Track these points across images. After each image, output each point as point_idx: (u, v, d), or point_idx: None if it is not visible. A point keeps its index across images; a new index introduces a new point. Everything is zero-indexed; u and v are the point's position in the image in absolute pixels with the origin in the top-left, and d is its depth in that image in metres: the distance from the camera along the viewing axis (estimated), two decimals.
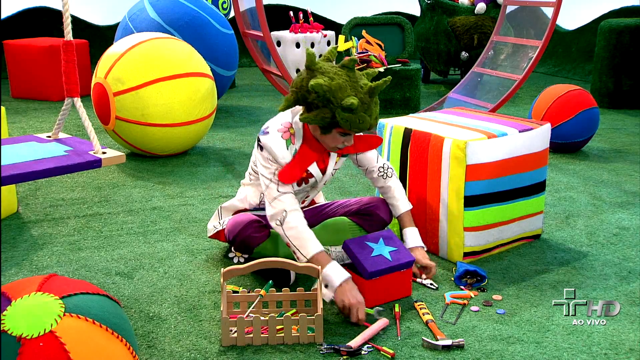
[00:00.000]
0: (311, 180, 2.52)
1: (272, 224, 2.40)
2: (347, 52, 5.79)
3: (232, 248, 2.62)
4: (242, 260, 2.63)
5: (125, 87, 3.97)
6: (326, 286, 2.29)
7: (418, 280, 2.55)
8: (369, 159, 2.66)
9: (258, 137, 2.44)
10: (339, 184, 3.81)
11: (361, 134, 2.50)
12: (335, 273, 2.27)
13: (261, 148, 2.42)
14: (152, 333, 2.19)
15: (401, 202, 2.67)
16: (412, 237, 2.62)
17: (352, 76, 2.27)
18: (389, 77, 2.39)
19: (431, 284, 2.52)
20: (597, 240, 3.00)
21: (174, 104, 4.03)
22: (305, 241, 2.32)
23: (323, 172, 2.54)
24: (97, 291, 1.67)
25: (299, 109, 2.43)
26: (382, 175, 2.67)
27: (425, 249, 2.65)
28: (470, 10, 6.66)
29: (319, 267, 2.22)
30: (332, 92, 2.20)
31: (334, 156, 2.54)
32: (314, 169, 2.49)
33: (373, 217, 2.66)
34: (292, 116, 2.46)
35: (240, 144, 4.74)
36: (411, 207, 2.68)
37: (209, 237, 2.79)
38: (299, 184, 2.50)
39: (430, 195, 2.75)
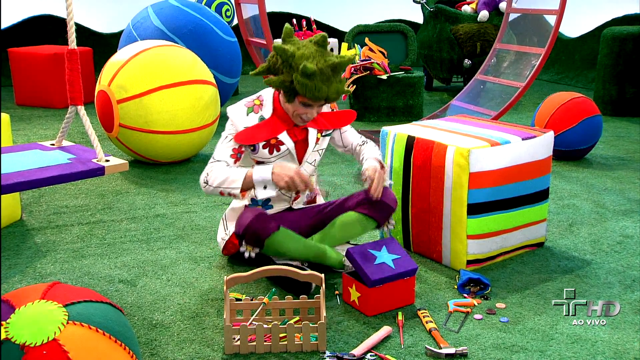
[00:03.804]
0: (282, 148, 2.57)
1: (203, 189, 2.53)
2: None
3: (243, 242, 2.58)
4: (252, 255, 2.56)
5: (129, 95, 3.99)
6: (265, 187, 2.43)
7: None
8: (351, 137, 2.76)
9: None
10: (342, 191, 3.81)
11: (330, 109, 2.65)
12: (263, 171, 2.42)
13: (228, 118, 2.58)
14: (155, 341, 2.19)
15: (369, 152, 2.67)
16: (370, 162, 2.59)
17: (321, 51, 2.40)
18: (355, 55, 2.49)
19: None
20: (600, 248, 2.99)
21: (178, 112, 4.04)
22: (229, 177, 2.45)
23: (297, 143, 2.59)
24: (100, 299, 1.67)
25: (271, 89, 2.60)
26: (362, 145, 2.75)
27: (385, 173, 2.61)
28: (473, 18, 6.67)
29: (322, 275, 2.21)
30: (295, 59, 2.34)
31: (313, 132, 2.61)
32: (284, 137, 2.56)
33: (378, 204, 2.61)
34: (265, 92, 2.62)
35: None
36: (380, 157, 2.66)
37: (223, 253, 2.77)
38: (270, 152, 2.57)
39: (434, 203, 2.74)
